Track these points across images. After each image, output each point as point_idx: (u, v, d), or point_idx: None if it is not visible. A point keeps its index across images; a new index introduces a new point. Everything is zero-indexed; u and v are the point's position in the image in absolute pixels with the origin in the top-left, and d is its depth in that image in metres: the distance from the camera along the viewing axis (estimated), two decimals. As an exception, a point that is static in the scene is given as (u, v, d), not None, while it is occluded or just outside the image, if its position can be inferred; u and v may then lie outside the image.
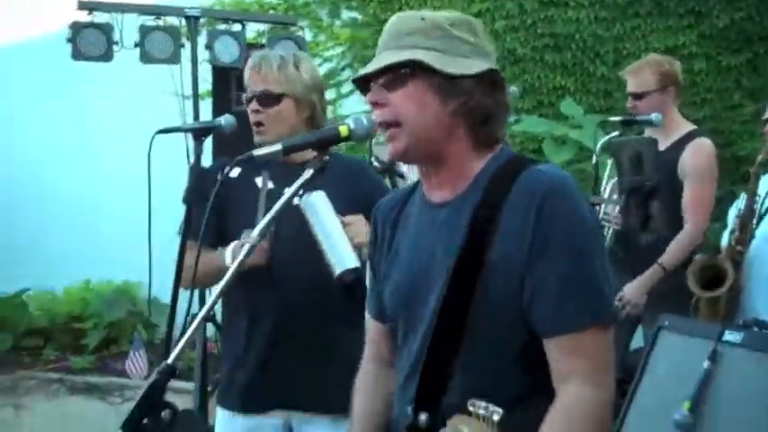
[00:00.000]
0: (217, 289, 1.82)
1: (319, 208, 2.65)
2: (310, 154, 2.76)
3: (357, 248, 2.65)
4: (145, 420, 1.59)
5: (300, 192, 2.00)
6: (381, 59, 1.79)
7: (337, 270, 2.61)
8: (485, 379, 1.69)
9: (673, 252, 4.07)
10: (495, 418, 1.37)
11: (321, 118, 2.93)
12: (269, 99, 2.81)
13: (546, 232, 1.64)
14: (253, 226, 2.64)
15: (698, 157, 4.16)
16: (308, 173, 1.90)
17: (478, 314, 1.68)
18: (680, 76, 4.37)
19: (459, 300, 1.70)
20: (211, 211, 2.47)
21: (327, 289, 2.72)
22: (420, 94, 1.76)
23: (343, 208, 2.73)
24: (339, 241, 2.63)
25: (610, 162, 4.05)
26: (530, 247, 1.64)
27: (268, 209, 2.64)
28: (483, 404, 1.40)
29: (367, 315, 2.15)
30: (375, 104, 1.81)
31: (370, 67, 1.81)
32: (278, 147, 1.95)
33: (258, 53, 2.95)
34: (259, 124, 2.84)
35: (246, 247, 1.85)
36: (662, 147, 4.10)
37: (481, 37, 1.83)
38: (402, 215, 1.96)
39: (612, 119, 4.00)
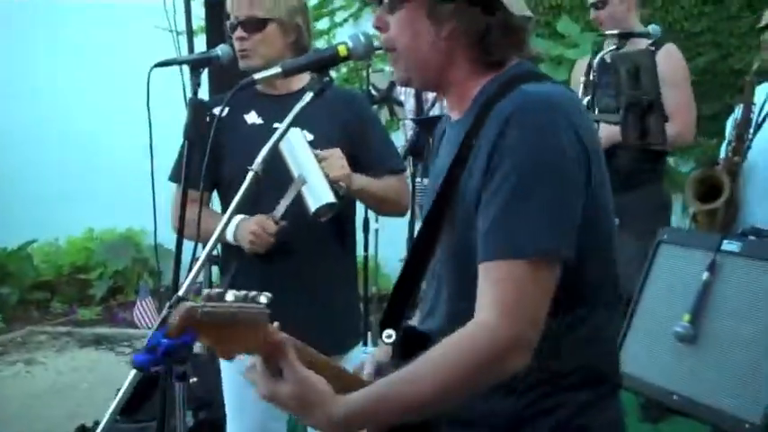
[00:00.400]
0: (214, 236, 1.80)
1: (295, 144, 2.58)
2: (295, 84, 2.75)
3: (333, 183, 2.59)
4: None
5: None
6: None
7: (313, 206, 2.56)
8: (440, 303, 1.71)
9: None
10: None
11: (307, 41, 2.86)
12: (254, 25, 2.74)
13: (496, 161, 1.54)
14: (245, 165, 2.64)
15: (671, 63, 4.12)
16: (308, 95, 1.87)
17: (444, 240, 1.67)
18: None
19: (432, 227, 1.68)
20: (210, 154, 2.39)
21: (321, 232, 2.71)
22: (413, 18, 1.68)
23: (335, 137, 2.70)
24: (315, 177, 2.56)
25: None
26: (484, 171, 1.56)
27: (262, 144, 2.65)
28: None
29: None
30: (377, 28, 1.74)
31: None
32: (277, 69, 1.92)
33: None
34: (245, 51, 2.77)
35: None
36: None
37: None
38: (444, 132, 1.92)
39: (609, 32, 3.94)
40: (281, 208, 2.58)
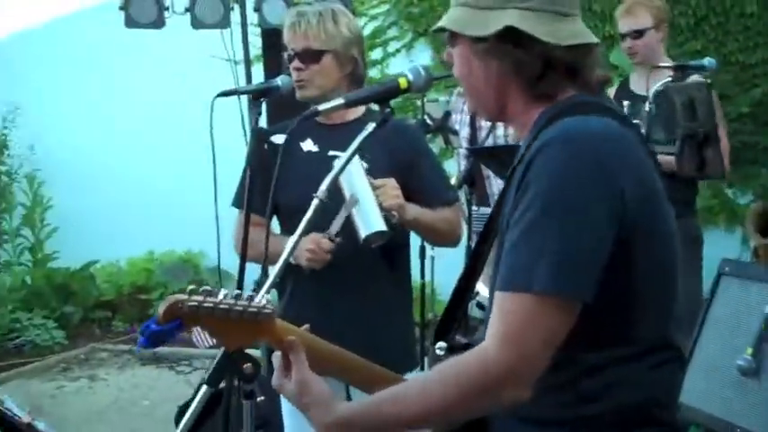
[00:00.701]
0: (281, 260, 1.86)
1: (352, 170, 2.55)
2: (350, 114, 2.81)
3: (386, 212, 2.60)
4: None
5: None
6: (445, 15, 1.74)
7: (363, 233, 2.57)
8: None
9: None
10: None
11: (362, 71, 2.89)
12: (310, 56, 2.77)
13: (522, 192, 1.53)
14: (304, 192, 2.70)
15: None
16: (370, 126, 1.91)
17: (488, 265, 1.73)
18: (668, 13, 4.41)
19: (482, 246, 1.75)
20: (271, 181, 2.48)
21: (376, 257, 2.76)
22: (467, 54, 1.70)
23: (389, 167, 2.72)
24: (368, 204, 2.57)
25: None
26: (513, 203, 1.56)
27: (318, 171, 2.72)
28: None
29: None
30: (449, 62, 1.83)
31: (436, 24, 1.76)
32: (340, 101, 1.97)
33: (294, 9, 2.91)
34: (301, 81, 2.80)
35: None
36: (643, 87, 4.07)
37: None
38: None
39: (663, 65, 3.96)
40: (335, 226, 2.60)
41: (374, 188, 2.60)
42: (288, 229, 2.84)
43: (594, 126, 1.57)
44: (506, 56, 1.63)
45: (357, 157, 2.61)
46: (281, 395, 1.64)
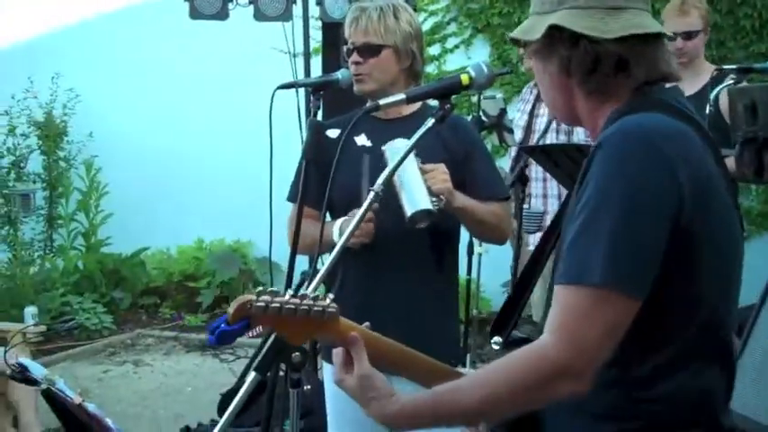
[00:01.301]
0: (329, 259, 1.86)
1: (398, 150, 2.53)
2: (405, 110, 2.81)
3: (435, 195, 2.59)
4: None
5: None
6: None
7: (409, 211, 2.55)
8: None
9: None
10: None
11: (420, 67, 2.91)
12: (370, 50, 2.79)
13: (582, 188, 1.55)
14: (356, 186, 2.70)
15: None
16: (429, 121, 1.91)
17: (554, 264, 1.72)
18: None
19: (546, 243, 1.77)
20: (326, 174, 2.52)
21: (424, 253, 2.78)
22: (538, 59, 1.73)
23: (438, 160, 2.70)
24: (416, 185, 2.56)
25: None
26: (576, 201, 1.58)
27: (371, 167, 2.71)
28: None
29: None
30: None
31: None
32: (401, 96, 1.97)
33: (357, 5, 2.92)
34: (360, 75, 2.82)
35: (357, 216, 1.88)
36: (692, 90, 4.05)
37: None
38: None
39: (727, 67, 3.89)
40: (364, 195, 2.55)
41: (423, 172, 2.61)
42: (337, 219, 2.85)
43: (649, 122, 1.57)
44: (553, 55, 1.66)
45: (405, 140, 2.62)
46: (343, 389, 1.67)
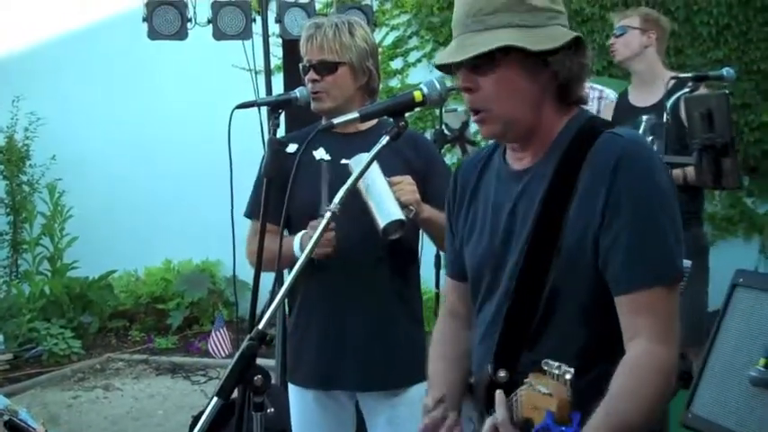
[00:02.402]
0: (293, 273, 1.84)
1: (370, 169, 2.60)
2: (364, 125, 2.78)
3: (405, 206, 2.63)
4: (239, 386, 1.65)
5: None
6: (468, 46, 1.75)
7: (382, 223, 2.57)
8: (560, 338, 1.74)
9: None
10: (568, 377, 1.41)
11: (377, 83, 2.92)
12: (326, 68, 2.80)
13: (619, 194, 1.67)
14: (315, 200, 2.68)
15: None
16: (384, 139, 1.91)
17: (556, 276, 1.73)
18: (666, 28, 4.38)
19: (538, 262, 1.74)
20: (284, 188, 2.54)
21: (385, 266, 2.80)
22: (512, 76, 1.75)
23: (401, 174, 2.71)
24: (385, 197, 2.59)
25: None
26: (603, 208, 1.68)
27: (331, 178, 2.70)
28: (556, 364, 1.44)
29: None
30: (467, 89, 1.80)
31: (458, 56, 1.77)
32: (355, 114, 1.96)
33: (312, 21, 2.92)
34: (317, 93, 2.83)
35: (319, 228, 1.87)
36: (642, 99, 4.16)
37: (559, 3, 1.82)
38: (482, 180, 1.99)
39: (682, 75, 3.94)
40: (323, 203, 2.65)
41: (391, 184, 2.64)
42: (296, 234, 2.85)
43: (643, 138, 1.86)
44: (566, 61, 1.75)
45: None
46: None
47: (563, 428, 1.34)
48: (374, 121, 2.80)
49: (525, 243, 1.77)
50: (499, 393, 1.63)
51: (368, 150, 2.00)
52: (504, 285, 1.84)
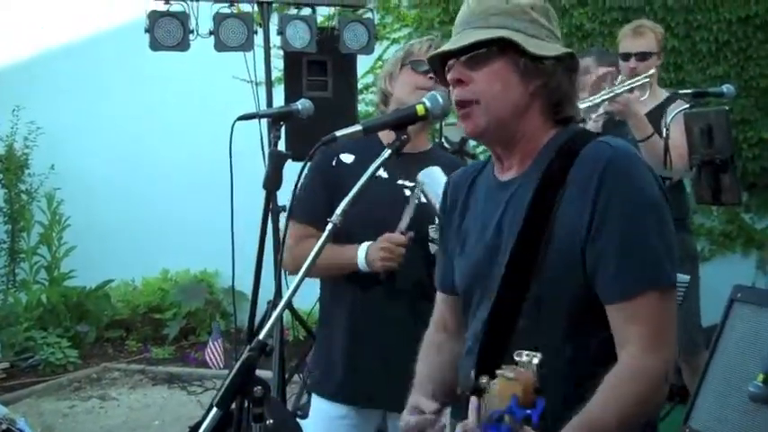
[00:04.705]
0: (298, 277, 1.85)
1: (438, 178, 2.63)
2: (420, 145, 2.83)
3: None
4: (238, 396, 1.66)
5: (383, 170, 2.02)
6: (468, 36, 1.81)
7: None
8: (543, 344, 1.72)
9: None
10: (535, 361, 1.38)
11: None
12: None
13: (606, 203, 1.67)
14: (372, 218, 2.69)
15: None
16: (386, 152, 1.92)
17: (540, 284, 1.72)
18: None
19: (521, 271, 1.74)
20: (326, 195, 2.63)
21: (425, 288, 2.75)
22: (505, 72, 1.79)
23: None
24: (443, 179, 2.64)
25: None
26: (590, 217, 1.68)
27: (387, 198, 2.74)
28: (525, 352, 1.41)
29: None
30: (458, 82, 1.83)
31: (457, 43, 1.82)
32: (358, 127, 1.98)
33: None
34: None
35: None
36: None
37: (554, 23, 1.87)
38: (472, 192, 2.01)
39: (683, 92, 3.96)
40: (404, 221, 2.69)
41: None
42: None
43: (630, 147, 1.79)
44: (557, 77, 1.79)
45: (439, 168, 2.69)
46: None
47: (527, 411, 1.30)
48: (429, 145, 2.88)
49: (509, 253, 1.78)
50: (473, 399, 1.58)
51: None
52: (492, 297, 1.83)
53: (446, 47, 1.85)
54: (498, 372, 1.43)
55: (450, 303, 2.11)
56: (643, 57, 4.28)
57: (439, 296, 2.18)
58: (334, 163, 2.84)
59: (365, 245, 2.76)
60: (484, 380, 1.71)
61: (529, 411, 1.30)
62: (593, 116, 3.98)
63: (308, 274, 2.51)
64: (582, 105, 3.87)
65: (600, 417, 1.61)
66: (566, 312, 1.73)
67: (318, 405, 2.97)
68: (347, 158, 2.86)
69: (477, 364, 1.77)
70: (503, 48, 1.78)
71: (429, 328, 2.21)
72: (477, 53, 1.79)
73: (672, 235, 1.70)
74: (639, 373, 1.62)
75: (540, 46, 1.79)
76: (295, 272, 2.78)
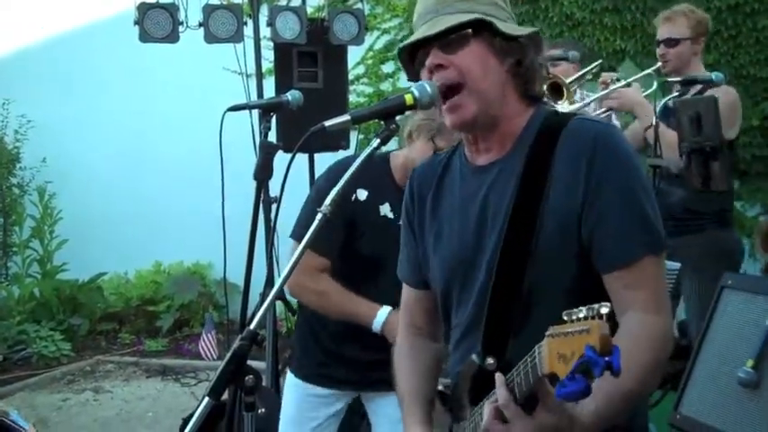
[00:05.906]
0: (286, 271, 1.85)
1: None
2: None
3: None
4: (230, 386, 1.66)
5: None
6: (441, 22, 1.82)
7: None
8: (546, 324, 1.73)
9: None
10: (604, 310, 1.28)
11: None
12: None
13: (599, 176, 1.72)
14: (380, 259, 2.72)
15: (726, 99, 4.01)
16: (374, 141, 1.91)
17: (536, 262, 1.74)
18: (709, 26, 4.37)
19: (517, 250, 1.76)
20: (344, 233, 2.68)
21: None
22: (482, 53, 1.82)
23: None
24: None
25: None
26: (584, 191, 1.72)
27: (392, 239, 2.72)
28: (583, 308, 1.30)
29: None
30: (438, 67, 1.83)
31: (432, 29, 1.82)
32: (346, 117, 1.98)
33: None
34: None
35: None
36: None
37: (509, 7, 1.93)
38: (443, 184, 2.01)
39: (672, 79, 3.96)
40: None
41: None
42: (342, 276, 2.88)
43: (607, 122, 1.93)
44: (527, 55, 1.84)
45: None
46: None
47: (607, 359, 1.25)
48: None
49: (500, 237, 1.79)
50: (499, 375, 1.57)
51: None
52: (480, 282, 1.84)
53: (419, 35, 1.85)
54: (548, 334, 1.37)
55: (421, 298, 2.11)
56: (670, 43, 4.24)
57: (406, 295, 2.17)
58: (353, 198, 2.85)
59: (386, 310, 2.78)
60: (491, 360, 1.71)
61: (607, 358, 1.26)
62: (597, 113, 3.98)
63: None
64: (575, 107, 3.88)
65: (620, 378, 1.60)
66: (564, 287, 1.75)
67: (293, 380, 3.02)
68: (362, 195, 2.87)
69: (483, 346, 1.77)
70: (477, 30, 1.81)
71: (399, 335, 2.19)
72: (454, 37, 1.81)
73: (655, 200, 1.78)
74: (650, 332, 1.68)
75: (509, 27, 1.84)
76: (296, 297, 2.81)
